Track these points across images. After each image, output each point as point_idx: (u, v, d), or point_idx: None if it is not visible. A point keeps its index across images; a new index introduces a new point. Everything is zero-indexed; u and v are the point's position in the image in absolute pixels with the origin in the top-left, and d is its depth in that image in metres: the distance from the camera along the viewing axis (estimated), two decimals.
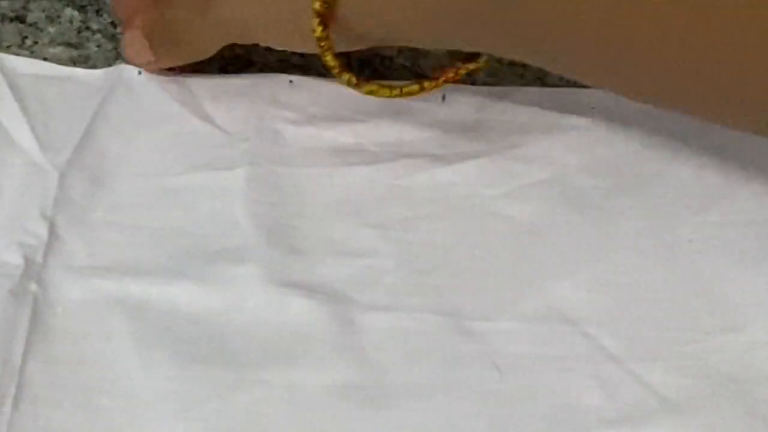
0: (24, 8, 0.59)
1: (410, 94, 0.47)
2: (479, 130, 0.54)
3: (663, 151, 0.52)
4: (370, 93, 0.47)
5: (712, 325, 0.47)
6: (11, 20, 0.58)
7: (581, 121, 0.54)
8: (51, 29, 0.58)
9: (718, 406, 0.44)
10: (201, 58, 0.53)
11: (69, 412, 0.43)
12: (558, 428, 0.44)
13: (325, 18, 0.46)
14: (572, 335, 0.46)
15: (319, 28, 0.46)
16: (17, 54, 0.56)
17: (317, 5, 0.46)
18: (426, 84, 0.47)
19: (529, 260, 0.49)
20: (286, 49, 0.52)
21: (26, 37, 0.58)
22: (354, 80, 0.47)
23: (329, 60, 0.46)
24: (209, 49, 0.53)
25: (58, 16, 0.59)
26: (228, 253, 0.49)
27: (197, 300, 0.47)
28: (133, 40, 0.54)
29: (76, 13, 0.59)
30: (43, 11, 0.59)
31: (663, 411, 0.44)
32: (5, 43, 0.57)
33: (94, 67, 0.56)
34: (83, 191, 0.50)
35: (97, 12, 0.59)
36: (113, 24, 0.58)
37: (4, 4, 0.59)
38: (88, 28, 0.58)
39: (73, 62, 0.56)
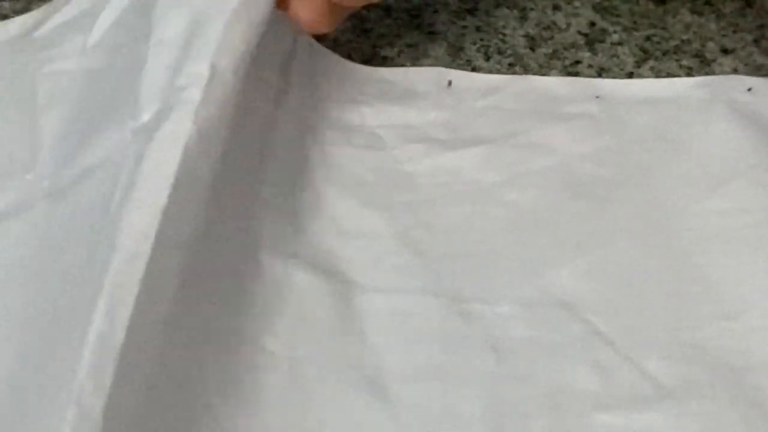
0: (26, 9, 0.60)
1: None
2: (483, 117, 0.55)
3: (665, 141, 0.54)
4: None
5: (709, 312, 0.48)
6: None
7: (585, 110, 0.55)
8: None
9: (714, 393, 0.46)
10: None
11: None
12: (553, 412, 0.45)
13: None
14: (569, 321, 0.48)
15: None
16: None
17: None
18: None
19: (528, 246, 0.50)
20: None
21: None
22: None
23: None
24: None
25: None
26: (245, 200, 0.51)
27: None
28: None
29: None
30: None
31: (658, 397, 0.46)
32: None
33: None
34: None
35: None
36: None
37: (6, 4, 0.60)
38: None
39: None
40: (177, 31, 0.48)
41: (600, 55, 0.59)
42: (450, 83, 0.57)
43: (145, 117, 0.46)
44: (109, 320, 0.40)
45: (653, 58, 0.58)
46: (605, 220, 0.51)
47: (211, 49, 0.48)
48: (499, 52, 0.59)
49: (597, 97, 0.56)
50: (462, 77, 0.57)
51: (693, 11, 0.60)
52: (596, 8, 0.61)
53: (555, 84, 0.57)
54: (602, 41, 0.59)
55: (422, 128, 0.55)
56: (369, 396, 0.46)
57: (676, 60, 0.58)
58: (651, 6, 0.61)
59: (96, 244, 0.44)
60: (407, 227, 0.51)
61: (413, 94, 0.57)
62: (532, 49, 0.60)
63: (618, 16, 0.61)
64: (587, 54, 0.59)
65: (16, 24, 0.57)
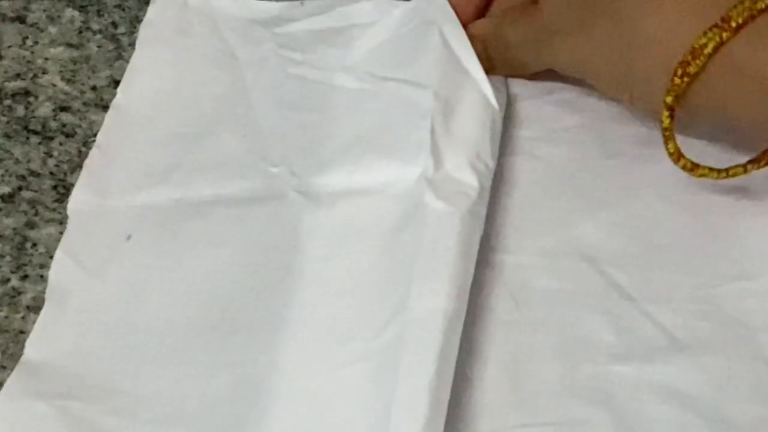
0: (25, 8, 0.61)
1: (735, 175, 0.49)
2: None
3: None
4: (702, 176, 0.49)
5: (727, 271, 0.49)
6: (12, 20, 0.60)
7: None
8: (52, 29, 0.60)
9: (726, 349, 0.47)
10: (526, 75, 0.56)
11: None
12: (567, 360, 0.47)
13: (674, 110, 0.48)
14: (589, 272, 0.49)
15: (668, 120, 0.48)
16: (17, 53, 0.59)
17: (669, 99, 0.48)
18: (749, 166, 0.49)
19: (554, 199, 0.52)
20: (617, 100, 0.54)
21: (27, 38, 0.59)
22: (690, 165, 0.49)
23: (671, 147, 0.49)
24: (535, 70, 0.55)
25: (59, 16, 0.60)
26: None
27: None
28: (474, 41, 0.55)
29: (76, 13, 0.60)
30: (44, 11, 0.60)
31: (672, 350, 0.47)
32: (6, 44, 0.59)
33: (94, 68, 0.58)
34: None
35: (98, 12, 0.60)
36: (114, 24, 0.60)
37: (5, 4, 0.61)
38: (88, 28, 0.60)
39: (74, 62, 0.58)
40: (465, 103, 0.52)
41: None
42: None
43: (428, 170, 0.50)
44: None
45: None
46: (633, 176, 0.52)
47: (497, 140, 0.52)
48: None
49: None
50: None
51: None
52: None
53: None
54: None
55: None
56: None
57: None
58: None
59: (371, 263, 0.49)
60: None
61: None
62: None
63: None
64: None
65: (253, 10, 0.59)
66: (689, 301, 0.48)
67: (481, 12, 0.56)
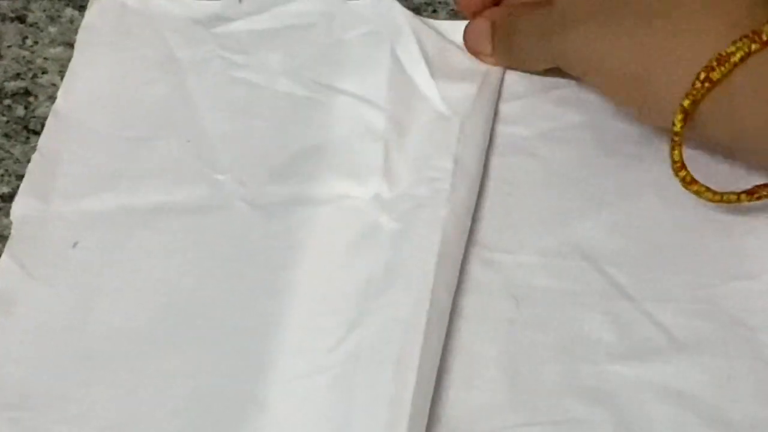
0: (24, 8, 0.61)
1: (728, 201, 0.49)
2: (518, 74, 0.56)
3: None
4: (697, 193, 0.49)
5: (726, 271, 0.49)
6: (12, 20, 0.60)
7: None
8: (51, 29, 0.60)
9: (726, 349, 0.47)
10: (530, 70, 0.56)
11: None
12: (567, 358, 0.47)
13: (688, 115, 0.48)
14: (589, 272, 0.49)
15: (680, 124, 0.48)
16: (17, 53, 0.59)
17: (686, 103, 0.47)
18: (743, 196, 0.49)
19: (555, 199, 0.52)
20: (616, 105, 0.54)
21: (26, 37, 0.59)
22: (689, 178, 0.49)
23: (677, 155, 0.49)
24: (538, 66, 0.55)
25: (59, 16, 0.60)
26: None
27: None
28: (478, 27, 0.56)
29: (76, 12, 0.60)
30: (44, 11, 0.60)
31: (671, 349, 0.47)
32: (6, 43, 0.59)
33: None
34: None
35: None
36: None
37: (5, 4, 0.61)
38: None
39: None
40: (418, 123, 0.53)
41: None
42: None
43: (383, 193, 0.51)
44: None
45: None
46: (633, 176, 0.52)
47: (453, 145, 0.52)
48: None
49: None
50: None
51: None
52: None
53: None
54: None
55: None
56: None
57: None
58: None
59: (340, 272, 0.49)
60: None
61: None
62: None
63: None
64: None
65: (192, 10, 0.59)
66: (689, 301, 0.49)
67: (496, 1, 0.57)
